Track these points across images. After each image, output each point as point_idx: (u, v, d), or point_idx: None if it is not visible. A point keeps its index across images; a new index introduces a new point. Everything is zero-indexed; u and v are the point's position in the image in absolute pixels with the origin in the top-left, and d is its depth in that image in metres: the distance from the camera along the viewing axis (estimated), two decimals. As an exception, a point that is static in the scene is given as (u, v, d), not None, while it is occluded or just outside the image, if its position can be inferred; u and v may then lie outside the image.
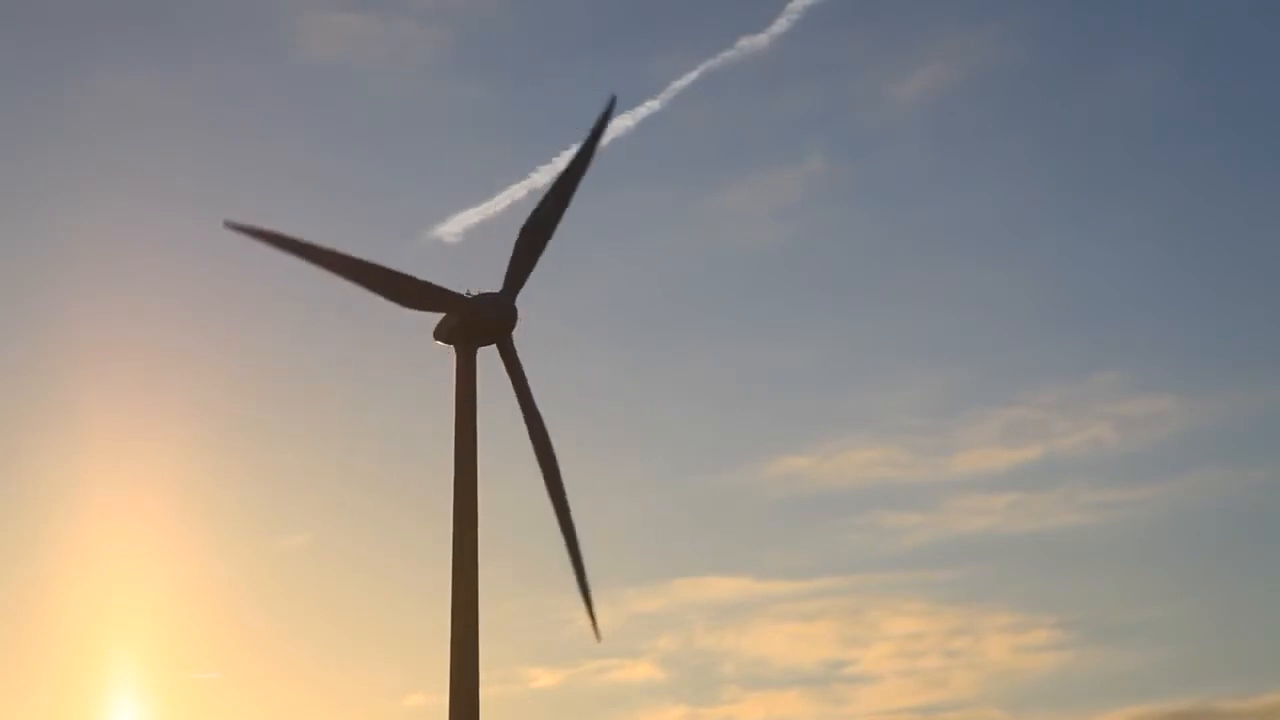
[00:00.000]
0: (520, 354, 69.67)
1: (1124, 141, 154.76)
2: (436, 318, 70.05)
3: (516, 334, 69.45)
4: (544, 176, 78.39)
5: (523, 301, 69.51)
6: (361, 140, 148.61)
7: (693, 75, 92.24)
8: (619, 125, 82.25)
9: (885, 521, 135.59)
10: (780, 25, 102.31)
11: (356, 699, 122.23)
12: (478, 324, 68.45)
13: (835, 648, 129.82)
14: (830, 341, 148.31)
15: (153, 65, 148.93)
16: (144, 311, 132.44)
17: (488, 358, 69.41)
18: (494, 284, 68.69)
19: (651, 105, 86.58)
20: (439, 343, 69.84)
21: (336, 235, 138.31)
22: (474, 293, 69.21)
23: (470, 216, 75.39)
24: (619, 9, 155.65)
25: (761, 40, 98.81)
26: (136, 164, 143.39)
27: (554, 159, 79.89)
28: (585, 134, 68.62)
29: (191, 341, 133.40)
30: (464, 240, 75.93)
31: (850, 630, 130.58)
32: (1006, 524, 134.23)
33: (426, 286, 68.09)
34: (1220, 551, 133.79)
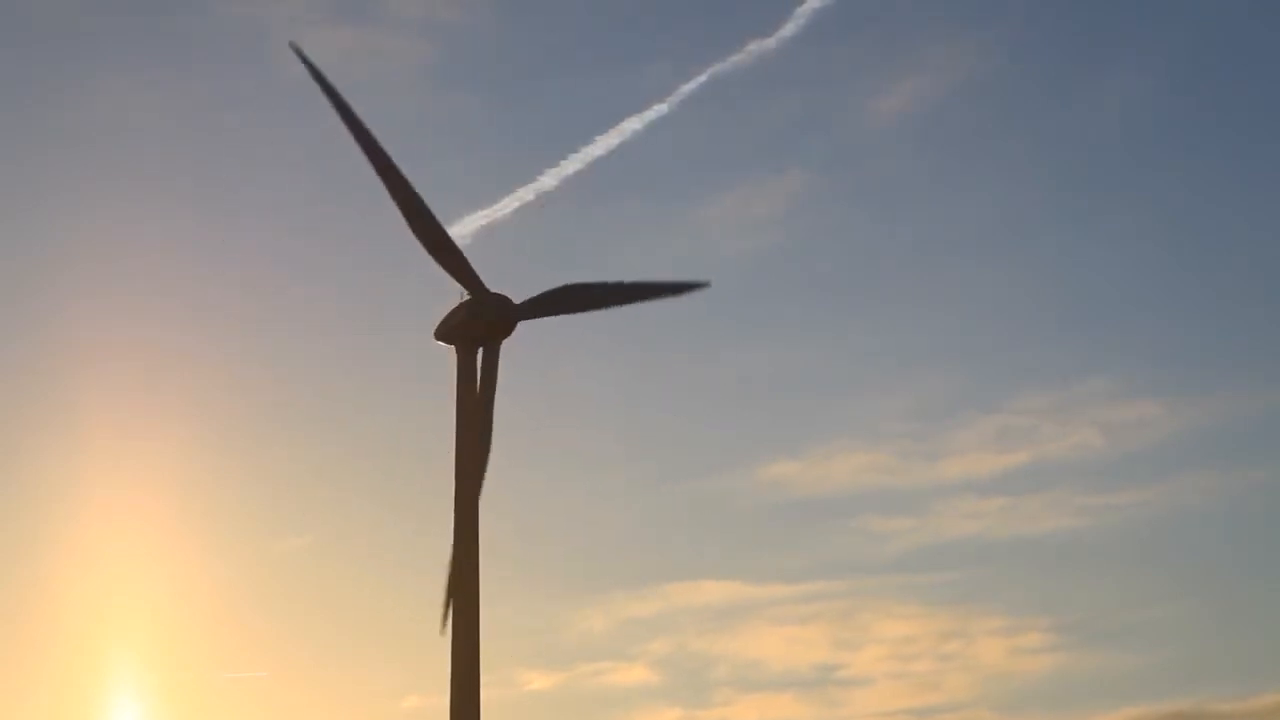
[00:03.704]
0: (517, 359, 70.99)
1: (1116, 148, 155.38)
2: (437, 318, 71.25)
3: (514, 340, 70.55)
4: (551, 179, 79.42)
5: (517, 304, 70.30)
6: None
7: (700, 79, 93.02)
8: (626, 128, 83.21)
9: (876, 525, 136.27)
10: (776, 34, 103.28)
11: (356, 700, 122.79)
12: (481, 317, 69.43)
13: (828, 651, 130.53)
14: (821, 347, 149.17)
15: (153, 72, 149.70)
16: (144, 311, 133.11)
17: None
18: (503, 285, 69.71)
19: (655, 110, 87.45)
20: (439, 342, 70.84)
21: (348, 239, 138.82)
22: (466, 296, 70.28)
23: (478, 219, 76.18)
24: (608, 18, 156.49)
25: (757, 48, 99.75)
26: (137, 167, 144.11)
27: (560, 162, 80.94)
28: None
29: (191, 341, 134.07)
30: (472, 243, 76.69)
31: (843, 633, 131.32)
32: (997, 528, 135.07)
33: (452, 245, 69.05)
34: (1211, 554, 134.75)
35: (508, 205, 77.85)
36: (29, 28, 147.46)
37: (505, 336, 69.84)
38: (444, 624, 67.59)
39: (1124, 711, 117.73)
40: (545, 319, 71.16)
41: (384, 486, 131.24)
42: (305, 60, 66.55)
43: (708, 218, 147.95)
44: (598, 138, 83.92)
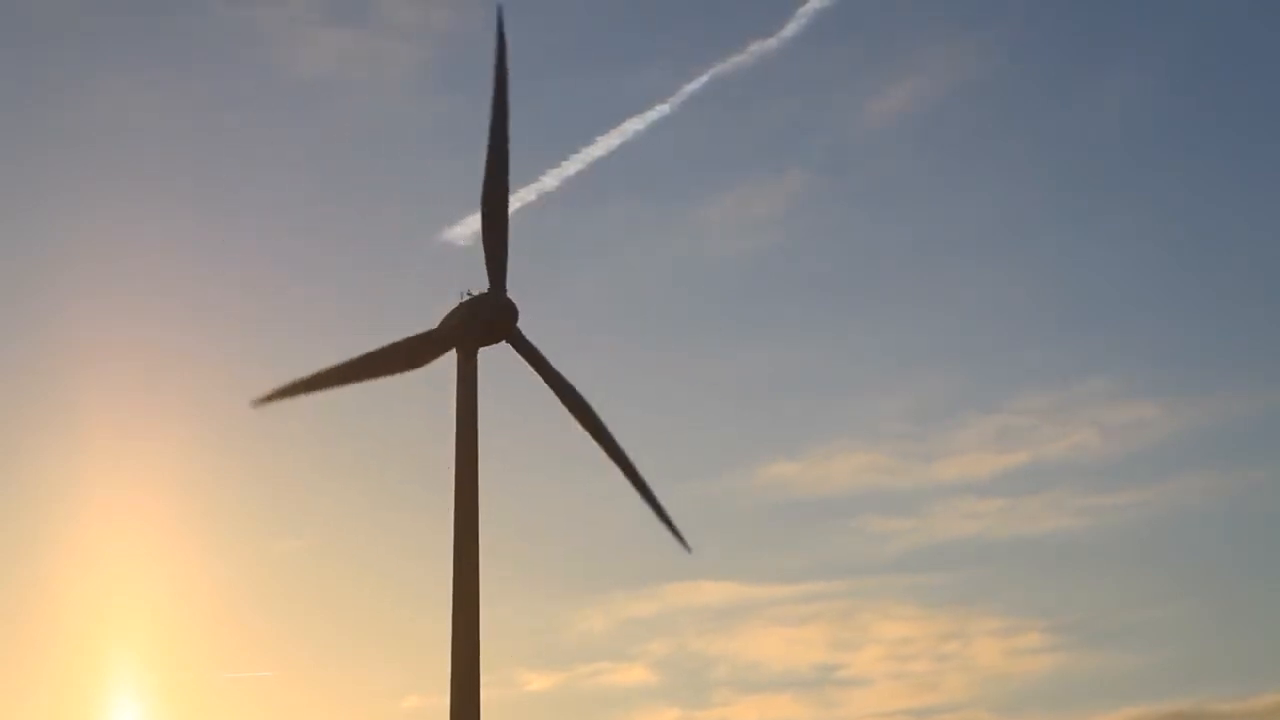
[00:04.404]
0: (514, 361, 70.75)
1: (1115, 148, 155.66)
2: (437, 319, 71.25)
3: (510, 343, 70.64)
4: (553, 180, 79.77)
5: (518, 305, 70.78)
6: (360, 149, 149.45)
7: (701, 80, 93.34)
8: (628, 130, 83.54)
9: (875, 526, 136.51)
10: (776, 34, 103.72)
11: (356, 700, 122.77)
12: (479, 326, 69.60)
13: (827, 651, 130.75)
14: (819, 348, 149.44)
15: (153, 72, 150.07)
16: (144, 312, 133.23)
17: (489, 359, 70.54)
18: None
19: (657, 110, 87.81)
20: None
21: (347, 239, 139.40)
22: (471, 293, 70.44)
23: (480, 220, 76.27)
24: (608, 20, 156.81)
25: (757, 49, 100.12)
26: (137, 167, 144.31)
27: (562, 163, 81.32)
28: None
29: (191, 341, 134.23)
30: (475, 243, 76.78)
31: (841, 634, 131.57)
32: (995, 528, 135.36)
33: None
34: (1210, 554, 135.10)
35: (515, 204, 78.08)
36: (29, 28, 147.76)
37: (493, 344, 70.26)
38: (262, 400, 69.60)
39: (1123, 712, 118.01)
40: (546, 310, 71.53)
41: (383, 486, 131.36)
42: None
43: (708, 218, 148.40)
44: (599, 138, 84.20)
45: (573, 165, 79.99)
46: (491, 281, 70.07)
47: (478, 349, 69.97)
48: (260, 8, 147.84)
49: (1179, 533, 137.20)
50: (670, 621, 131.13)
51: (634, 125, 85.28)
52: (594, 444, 70.71)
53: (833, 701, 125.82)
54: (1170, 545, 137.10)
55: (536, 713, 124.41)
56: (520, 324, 70.80)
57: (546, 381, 70.72)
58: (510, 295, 70.48)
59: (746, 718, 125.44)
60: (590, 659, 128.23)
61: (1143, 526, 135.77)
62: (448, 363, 70.54)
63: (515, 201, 73.60)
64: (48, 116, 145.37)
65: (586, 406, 70.85)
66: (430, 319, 71.38)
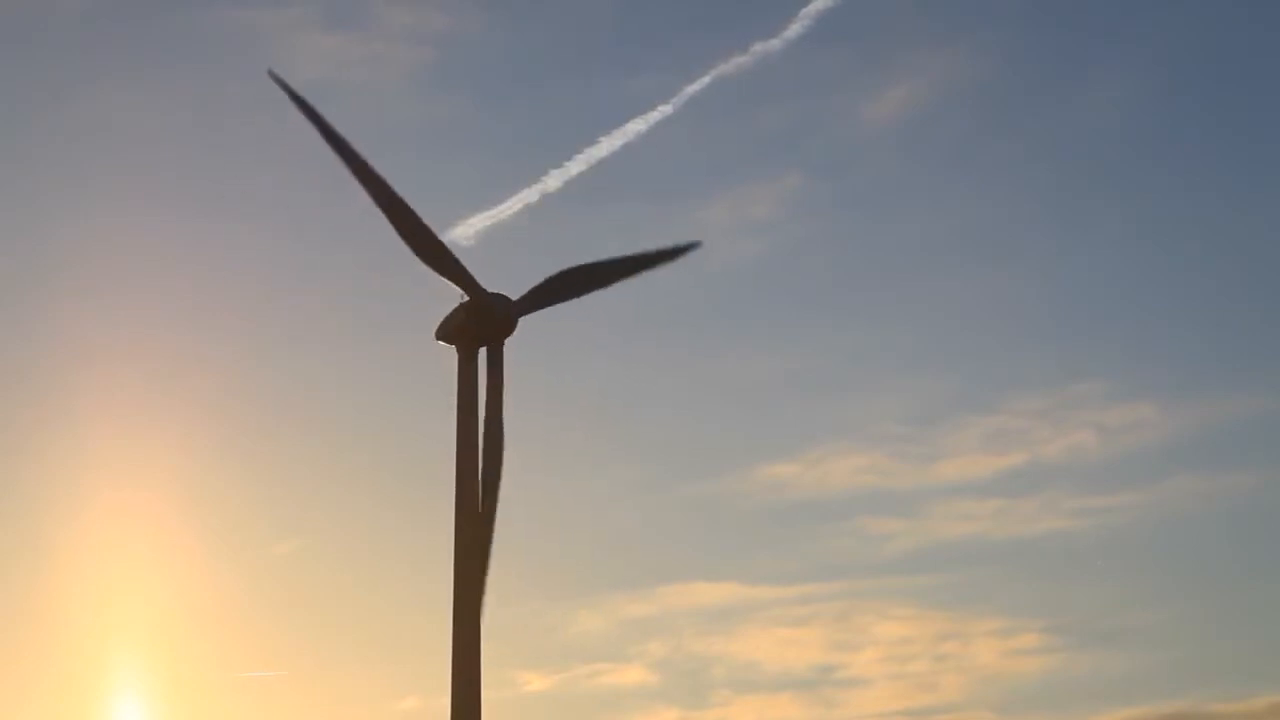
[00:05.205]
0: (513, 360, 70.15)
1: (1112, 150, 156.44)
2: (438, 318, 71.23)
3: (510, 341, 69.85)
4: (555, 179, 79.98)
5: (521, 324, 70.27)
6: (360, 151, 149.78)
7: (703, 82, 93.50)
8: (631, 130, 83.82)
9: (871, 528, 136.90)
10: (776, 37, 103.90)
11: (355, 701, 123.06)
12: (482, 319, 68.82)
13: (825, 652, 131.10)
14: (817, 349, 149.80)
15: (153, 74, 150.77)
16: (144, 312, 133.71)
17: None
18: (507, 285, 69.66)
19: (660, 112, 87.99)
20: (441, 342, 70.89)
21: (347, 241, 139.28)
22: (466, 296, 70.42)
23: (482, 220, 76.41)
24: (600, 27, 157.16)
25: (759, 50, 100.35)
26: (137, 169, 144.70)
27: (565, 163, 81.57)
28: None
29: (195, 343, 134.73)
30: (477, 244, 77.00)
31: (839, 635, 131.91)
32: (992, 530, 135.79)
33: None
34: (1206, 556, 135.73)
35: (511, 206, 78.20)
36: (28, 28, 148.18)
37: (508, 335, 69.21)
38: (279, 79, 66.86)
39: (1121, 712, 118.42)
40: (546, 310, 70.73)
41: (381, 486, 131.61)
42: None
43: (707, 219, 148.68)
44: (602, 138, 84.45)
45: (575, 165, 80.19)
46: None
47: (477, 349, 69.90)
48: (259, 11, 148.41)
49: (1177, 534, 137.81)
50: (668, 622, 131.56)
51: (636, 126, 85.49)
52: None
53: (831, 702, 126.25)
54: (1168, 546, 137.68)
55: (535, 713, 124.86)
56: (521, 321, 70.18)
57: (489, 404, 68.59)
58: (506, 293, 69.75)
59: (745, 718, 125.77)
60: (588, 660, 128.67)
61: (1141, 527, 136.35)
62: (447, 363, 70.62)
63: (517, 201, 73.68)
64: (48, 116, 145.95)
65: (499, 456, 67.82)
66: (430, 319, 71.50)
